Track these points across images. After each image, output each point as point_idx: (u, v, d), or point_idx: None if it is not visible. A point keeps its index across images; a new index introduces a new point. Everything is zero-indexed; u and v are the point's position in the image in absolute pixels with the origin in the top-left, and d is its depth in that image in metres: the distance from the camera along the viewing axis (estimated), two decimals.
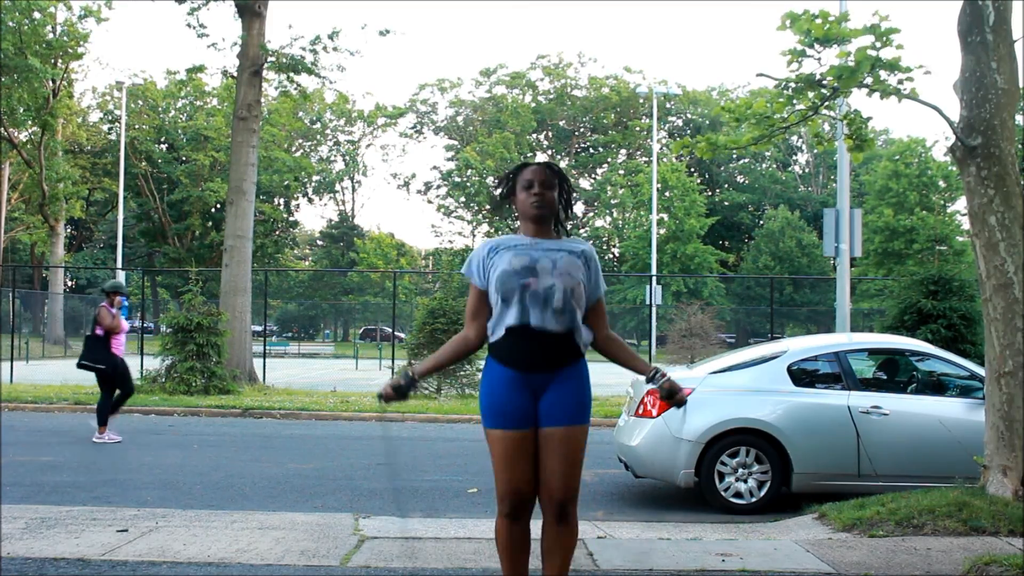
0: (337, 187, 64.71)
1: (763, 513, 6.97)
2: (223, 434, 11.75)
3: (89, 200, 50.29)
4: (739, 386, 7.39)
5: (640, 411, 7.43)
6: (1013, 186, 6.29)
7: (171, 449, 10.19)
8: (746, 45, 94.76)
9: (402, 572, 4.88)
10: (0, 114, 29.05)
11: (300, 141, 60.41)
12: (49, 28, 30.46)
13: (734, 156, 52.51)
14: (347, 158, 63.31)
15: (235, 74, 18.63)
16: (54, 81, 32.84)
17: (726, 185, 60.54)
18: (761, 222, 55.39)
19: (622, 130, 58.89)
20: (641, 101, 55.40)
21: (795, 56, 6.88)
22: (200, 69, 21.64)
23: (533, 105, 58.97)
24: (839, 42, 6.81)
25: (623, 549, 5.53)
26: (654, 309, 30.05)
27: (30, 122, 32.87)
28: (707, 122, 56.19)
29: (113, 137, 48.49)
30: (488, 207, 52.18)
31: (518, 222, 3.52)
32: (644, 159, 55.63)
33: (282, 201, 56.96)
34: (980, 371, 7.25)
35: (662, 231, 47.38)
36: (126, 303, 10.91)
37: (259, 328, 29.56)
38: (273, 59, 18.42)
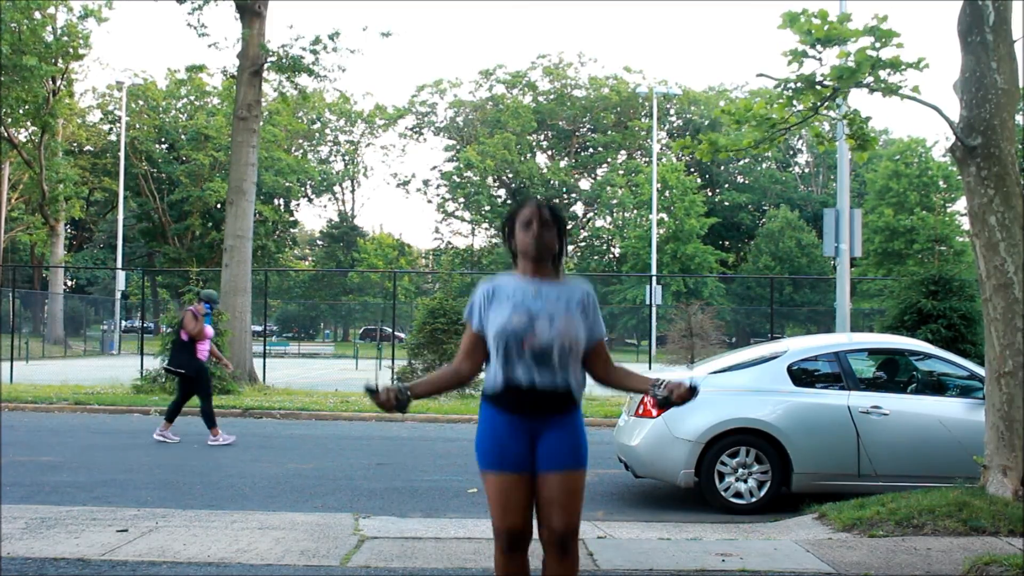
0: (337, 187, 64.73)
1: (763, 513, 6.97)
2: None
3: (89, 200, 50.27)
4: (739, 386, 7.39)
5: (640, 411, 7.44)
6: (1013, 186, 6.29)
7: (171, 449, 10.19)
8: (746, 45, 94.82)
9: (402, 572, 4.89)
10: (0, 114, 29.03)
11: (300, 141, 60.41)
12: (49, 28, 30.45)
13: (734, 156, 52.48)
14: (347, 158, 63.33)
15: (235, 74, 18.63)
16: (54, 81, 32.83)
17: (726, 185, 60.53)
18: (762, 222, 55.38)
19: (622, 130, 58.87)
20: (641, 101, 55.39)
21: (796, 57, 6.88)
22: (200, 68, 21.65)
23: (533, 105, 58.95)
24: (839, 42, 6.81)
25: (623, 549, 5.54)
26: (654, 309, 30.06)
27: (29, 122, 32.84)
28: (707, 122, 56.19)
29: (113, 137, 48.48)
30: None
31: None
32: (644, 159, 55.62)
33: (282, 201, 56.94)
34: (980, 371, 7.25)
35: (662, 231, 47.37)
36: (210, 310, 10.95)
37: (259, 328, 29.56)
38: (273, 59, 18.42)
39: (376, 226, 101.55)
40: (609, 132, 59.33)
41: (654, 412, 7.30)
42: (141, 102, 48.56)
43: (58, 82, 33.66)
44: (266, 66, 18.37)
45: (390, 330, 29.91)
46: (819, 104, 7.23)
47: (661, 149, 53.74)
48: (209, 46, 46.24)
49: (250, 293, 18.39)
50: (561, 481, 3.32)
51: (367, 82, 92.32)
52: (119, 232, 39.76)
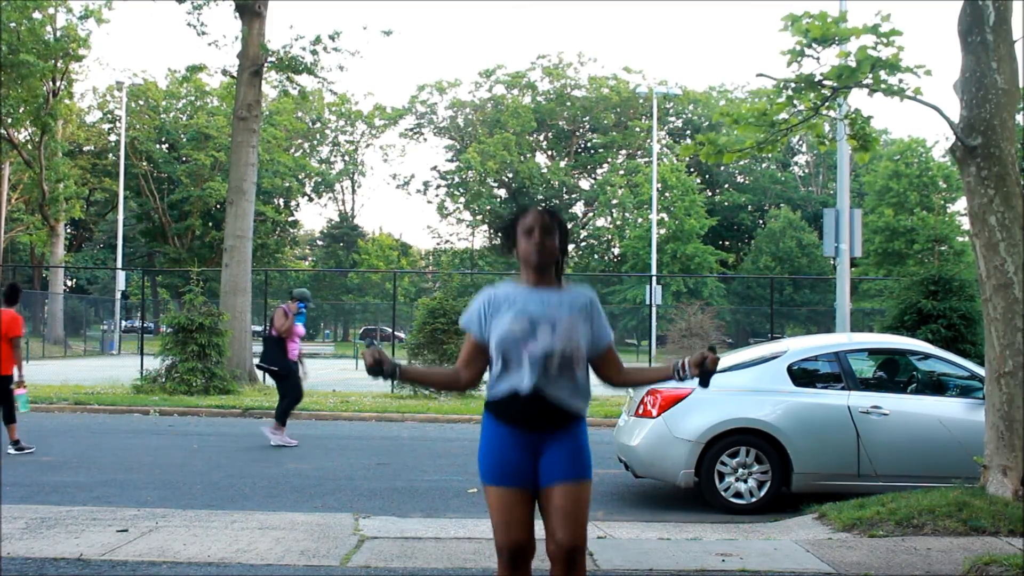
0: (337, 187, 64.74)
1: (763, 513, 6.97)
2: (223, 434, 11.74)
3: (89, 200, 50.27)
4: (739, 386, 7.38)
5: (640, 411, 7.44)
6: (1013, 186, 6.29)
7: (171, 449, 10.19)
8: (746, 45, 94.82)
9: (402, 572, 4.88)
10: (0, 114, 29.02)
11: (300, 141, 60.41)
12: (48, 28, 30.44)
13: (737, 158, 52.42)
14: (347, 158, 63.33)
15: (235, 74, 18.63)
16: (54, 81, 32.82)
17: (726, 185, 60.53)
18: (762, 222, 55.37)
19: (622, 130, 58.87)
20: (641, 101, 55.37)
21: (794, 56, 6.88)
22: (200, 68, 21.63)
23: (533, 105, 58.94)
24: (838, 42, 6.81)
25: (623, 549, 5.53)
26: (654, 309, 30.07)
27: (28, 122, 32.82)
28: (707, 123, 56.17)
29: (113, 137, 48.49)
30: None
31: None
32: (644, 159, 55.59)
33: (282, 201, 56.95)
34: (980, 371, 7.25)
35: (662, 231, 47.38)
36: (303, 309, 10.82)
37: (259, 328, 29.56)
38: (273, 59, 18.42)
39: (376, 227, 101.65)
40: (609, 132, 59.32)
41: (654, 412, 7.30)
42: (141, 102, 48.56)
43: (58, 82, 33.66)
44: (266, 66, 18.37)
45: (390, 330, 29.92)
46: (820, 104, 7.23)
47: (661, 149, 53.72)
48: (209, 45, 46.41)
49: (250, 293, 18.39)
50: (566, 492, 3.26)
51: (367, 82, 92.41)
52: (119, 232, 39.75)
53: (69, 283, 55.81)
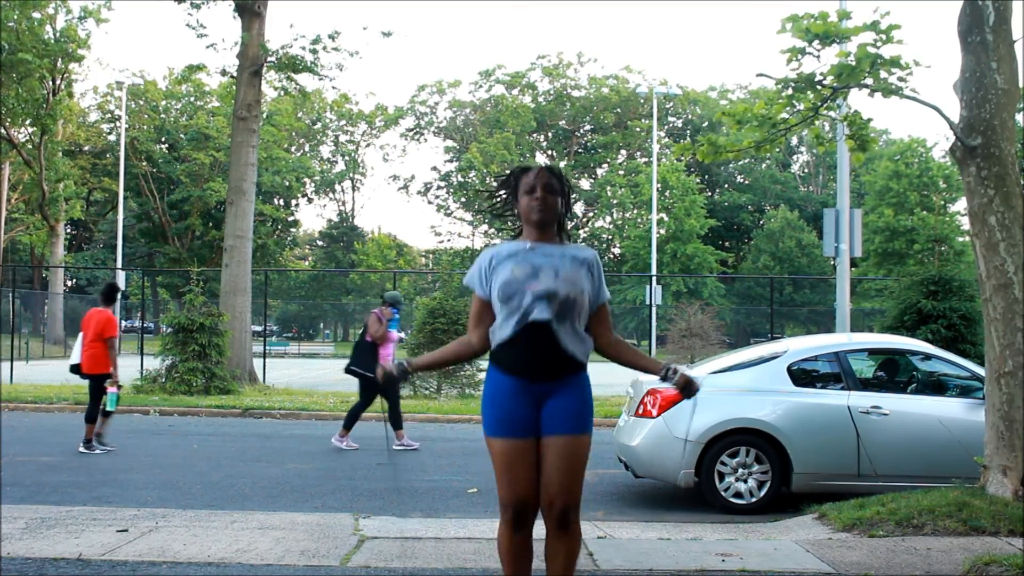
0: (337, 187, 64.74)
1: (763, 513, 6.96)
2: (223, 434, 11.74)
3: (89, 200, 50.30)
4: (739, 386, 7.38)
5: (640, 411, 7.43)
6: (1013, 186, 6.29)
7: (171, 449, 10.19)
8: (746, 45, 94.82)
9: (402, 572, 4.88)
10: (1, 114, 29.03)
11: (301, 141, 60.41)
12: (48, 27, 30.44)
13: (734, 158, 52.48)
14: (347, 158, 63.33)
15: (235, 74, 18.63)
16: (53, 81, 32.83)
17: (726, 185, 60.54)
18: (761, 222, 55.38)
19: (622, 130, 58.87)
20: (641, 101, 55.36)
21: (794, 54, 6.88)
22: (200, 68, 21.63)
23: (533, 106, 58.93)
24: (838, 40, 6.81)
25: (623, 549, 5.53)
26: (654, 309, 30.06)
27: (28, 121, 32.82)
28: (707, 123, 56.16)
29: (113, 137, 48.48)
30: (488, 212, 52.25)
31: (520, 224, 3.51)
32: (644, 159, 55.60)
33: (282, 201, 56.95)
34: (980, 371, 7.25)
35: (662, 231, 47.38)
36: (397, 315, 10.66)
37: (259, 328, 29.57)
38: (273, 59, 18.42)
39: (376, 226, 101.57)
40: (609, 132, 59.32)
41: (654, 412, 7.30)
42: (141, 102, 48.57)
43: (58, 82, 33.66)
44: (266, 66, 18.37)
45: None
46: (819, 104, 7.23)
47: (661, 149, 53.71)
48: (208, 46, 46.15)
49: (250, 293, 18.40)
50: (565, 446, 3.29)
51: (368, 82, 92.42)
52: (119, 232, 39.74)
53: (69, 283, 55.82)
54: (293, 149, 57.82)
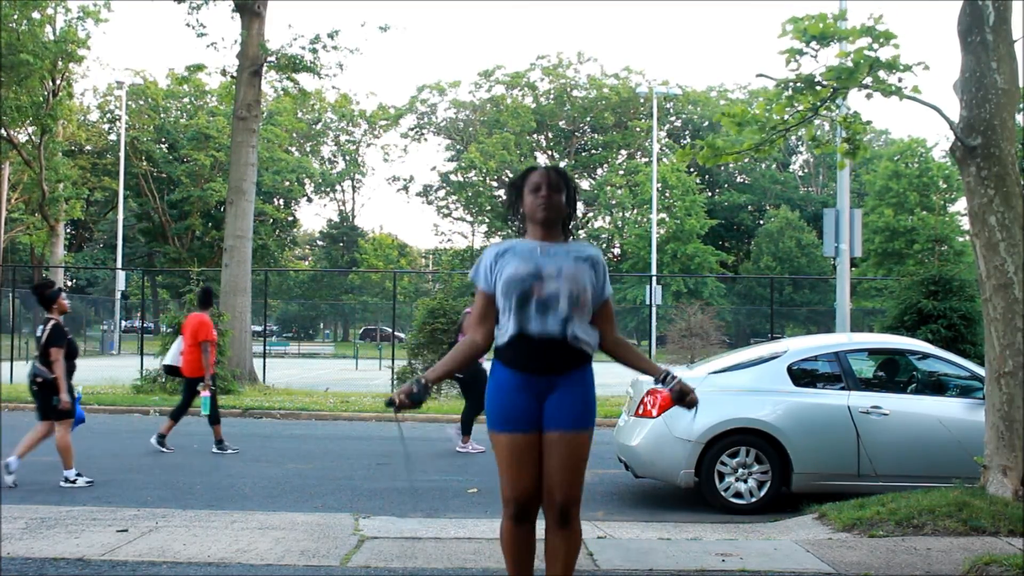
0: (337, 187, 64.74)
1: (763, 513, 6.96)
2: (223, 434, 11.72)
3: (89, 200, 50.20)
4: (739, 386, 7.39)
5: (640, 411, 7.43)
6: (1013, 186, 6.29)
7: (171, 449, 10.17)
8: (746, 45, 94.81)
9: (402, 572, 4.88)
10: (1, 114, 29.02)
11: (301, 141, 60.41)
12: (48, 27, 30.41)
13: (734, 160, 52.43)
14: (348, 158, 63.33)
15: (235, 74, 18.63)
16: (53, 81, 32.81)
17: (726, 185, 60.53)
18: (761, 222, 55.38)
19: (622, 130, 58.84)
20: (641, 101, 55.34)
21: (792, 55, 6.88)
22: (200, 68, 21.65)
23: (533, 106, 58.92)
24: (836, 40, 6.81)
25: (623, 549, 5.53)
26: (654, 309, 30.05)
27: (28, 122, 32.81)
28: (706, 123, 56.13)
29: (113, 137, 48.45)
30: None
31: (526, 225, 3.54)
32: (644, 159, 55.59)
33: (282, 201, 56.95)
34: (980, 371, 7.25)
35: (662, 231, 47.37)
36: None
37: (259, 328, 29.55)
38: (273, 59, 18.42)
39: (376, 226, 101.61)
40: (609, 132, 59.31)
41: (654, 412, 7.30)
42: (141, 102, 48.55)
43: (58, 82, 33.64)
44: (266, 66, 18.37)
45: (390, 330, 29.91)
46: (819, 105, 7.22)
47: (661, 149, 53.70)
48: (208, 46, 46.12)
49: (250, 293, 18.41)
50: (565, 442, 3.32)
51: (368, 82, 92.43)
52: (119, 232, 39.74)
53: (69, 283, 55.80)
54: (293, 149, 57.80)
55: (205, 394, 9.75)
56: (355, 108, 61.18)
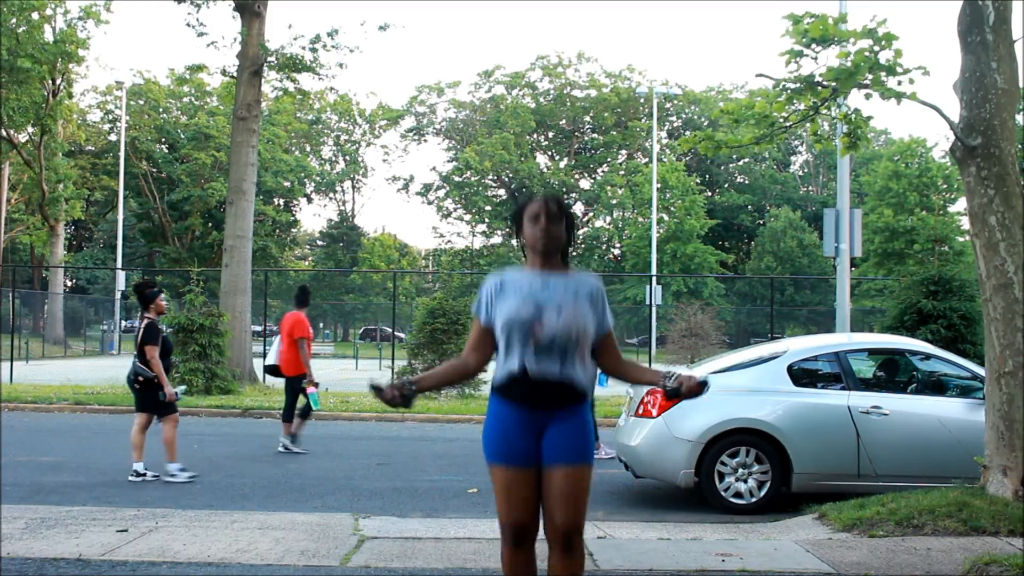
0: (337, 187, 64.72)
1: (763, 513, 6.96)
2: (223, 434, 11.75)
3: (89, 200, 50.24)
4: (739, 386, 7.38)
5: (640, 411, 7.43)
6: (1013, 186, 6.29)
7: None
8: (746, 45, 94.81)
9: (402, 572, 4.88)
10: (1, 115, 29.03)
11: (301, 142, 60.38)
12: (48, 28, 30.43)
13: (734, 156, 52.53)
14: (348, 158, 63.31)
15: (235, 74, 18.63)
16: (53, 82, 32.82)
17: (726, 185, 60.51)
18: (761, 222, 55.37)
19: (622, 130, 58.82)
20: (641, 101, 55.32)
21: (792, 56, 6.87)
22: (200, 68, 21.63)
23: (533, 106, 58.89)
24: (836, 42, 6.80)
25: (623, 549, 5.54)
26: (654, 309, 30.05)
27: (27, 123, 32.82)
28: (706, 122, 56.09)
29: (113, 137, 48.46)
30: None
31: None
32: (644, 159, 55.56)
33: (282, 201, 56.93)
34: (980, 371, 7.25)
35: (662, 231, 47.35)
36: None
37: (259, 328, 29.55)
38: (273, 59, 18.41)
39: (377, 226, 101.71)
40: (609, 132, 59.28)
41: (654, 412, 7.30)
42: (141, 102, 48.54)
43: (58, 83, 33.65)
44: (266, 66, 18.36)
45: (390, 330, 29.91)
46: (819, 104, 7.22)
47: (661, 149, 53.68)
48: (208, 45, 46.08)
49: (250, 293, 18.42)
50: (566, 476, 3.33)
51: (368, 82, 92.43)
52: (119, 232, 39.73)
53: (69, 283, 55.79)
54: (294, 148, 57.78)
55: (312, 390, 9.91)
56: (355, 108, 61.16)
